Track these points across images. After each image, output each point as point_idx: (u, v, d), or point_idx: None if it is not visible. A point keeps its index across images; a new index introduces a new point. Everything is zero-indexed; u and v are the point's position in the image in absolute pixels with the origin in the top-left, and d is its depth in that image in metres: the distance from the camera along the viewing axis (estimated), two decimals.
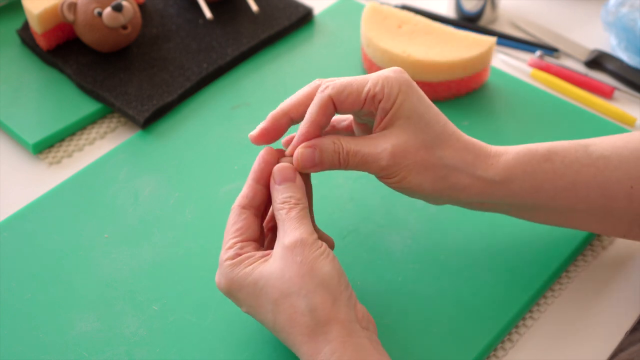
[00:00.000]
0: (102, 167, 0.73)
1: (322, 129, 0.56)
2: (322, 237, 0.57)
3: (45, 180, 0.73)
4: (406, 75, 0.56)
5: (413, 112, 0.55)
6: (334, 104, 0.55)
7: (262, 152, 0.57)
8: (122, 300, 0.62)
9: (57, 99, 0.79)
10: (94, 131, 0.78)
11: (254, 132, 0.57)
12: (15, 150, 0.77)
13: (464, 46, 0.76)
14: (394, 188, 0.57)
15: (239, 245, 0.54)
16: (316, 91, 0.56)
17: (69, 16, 0.79)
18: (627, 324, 0.62)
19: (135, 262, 0.65)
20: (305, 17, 0.88)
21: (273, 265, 0.51)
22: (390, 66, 0.74)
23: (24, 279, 0.64)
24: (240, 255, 0.53)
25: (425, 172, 0.55)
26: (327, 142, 0.55)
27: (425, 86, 0.76)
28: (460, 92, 0.78)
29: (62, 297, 0.62)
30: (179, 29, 0.85)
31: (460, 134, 0.57)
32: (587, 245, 0.67)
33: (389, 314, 0.60)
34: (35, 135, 0.75)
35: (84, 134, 0.77)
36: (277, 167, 0.55)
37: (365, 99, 0.55)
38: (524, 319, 0.62)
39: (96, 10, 0.78)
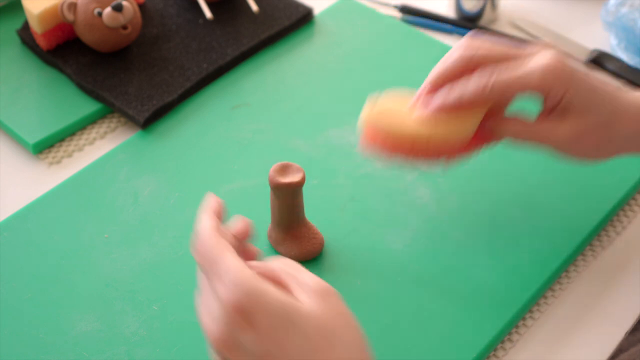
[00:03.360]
0: (102, 167, 0.73)
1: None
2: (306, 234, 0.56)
3: (45, 180, 0.73)
4: (567, 66, 0.55)
5: (582, 106, 0.56)
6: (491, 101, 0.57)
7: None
8: (122, 300, 0.62)
9: (57, 99, 0.79)
10: (94, 131, 0.78)
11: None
12: (15, 150, 0.77)
13: None
14: (571, 160, 0.59)
15: None
16: (468, 62, 0.56)
17: (69, 16, 0.79)
18: (627, 324, 0.62)
19: (135, 262, 0.65)
20: (306, 17, 0.88)
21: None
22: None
23: (24, 279, 0.64)
24: None
25: (604, 147, 0.58)
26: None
27: None
28: None
29: (62, 297, 0.62)
30: (179, 29, 0.85)
31: (631, 101, 0.58)
32: (587, 245, 0.67)
33: (389, 314, 0.60)
34: (35, 135, 0.75)
35: (84, 134, 0.78)
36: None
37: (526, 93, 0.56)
38: (524, 319, 0.62)
39: (96, 10, 0.78)
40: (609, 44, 0.86)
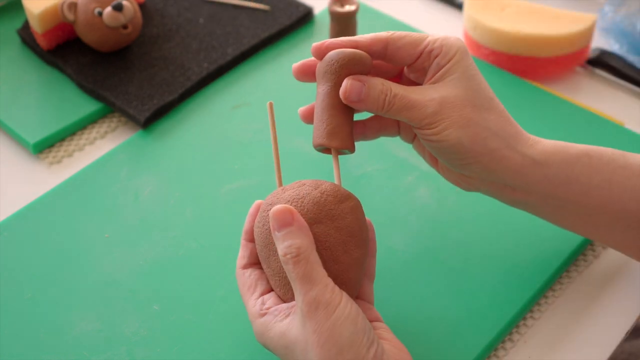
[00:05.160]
0: (102, 166, 0.73)
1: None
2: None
3: (46, 180, 0.73)
4: (463, 43, 0.56)
5: (466, 72, 0.55)
6: (386, 48, 0.56)
7: (252, 209, 0.57)
8: (122, 300, 0.62)
9: (58, 99, 0.79)
10: (95, 131, 0.78)
11: (297, 64, 0.58)
12: (16, 150, 0.77)
13: (568, 22, 0.81)
14: (431, 142, 0.55)
15: (260, 300, 0.54)
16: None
17: (69, 16, 0.79)
18: (628, 323, 0.62)
19: (135, 261, 0.65)
20: (306, 17, 0.88)
21: (296, 332, 0.50)
22: (500, 45, 0.81)
23: (24, 279, 0.64)
24: (264, 314, 0.53)
25: (467, 128, 0.54)
26: (376, 81, 0.55)
27: (535, 62, 0.81)
28: (566, 68, 0.82)
29: (62, 297, 0.62)
30: (180, 28, 0.85)
31: (504, 109, 0.57)
32: (588, 245, 0.67)
33: (389, 314, 0.60)
34: (36, 135, 0.75)
35: (84, 134, 0.78)
36: (273, 211, 0.50)
37: (421, 53, 0.56)
38: (524, 318, 0.62)
39: (96, 10, 0.78)
40: (609, 43, 0.86)
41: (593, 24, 0.80)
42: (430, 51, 0.55)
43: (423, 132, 0.55)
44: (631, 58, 0.83)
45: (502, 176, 0.56)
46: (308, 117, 0.60)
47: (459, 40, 0.56)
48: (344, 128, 0.55)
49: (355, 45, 0.56)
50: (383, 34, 0.56)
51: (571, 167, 0.56)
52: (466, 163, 0.55)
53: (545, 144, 0.56)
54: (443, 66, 0.55)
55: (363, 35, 0.57)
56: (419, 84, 0.58)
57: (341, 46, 0.56)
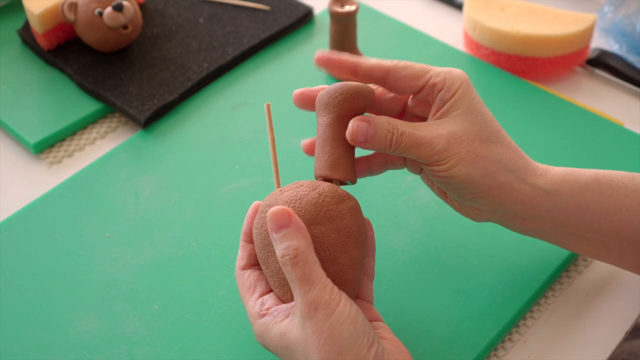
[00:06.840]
0: (102, 166, 0.73)
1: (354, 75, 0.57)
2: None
3: (46, 180, 0.73)
4: (467, 76, 0.56)
5: (471, 106, 0.55)
6: (387, 76, 0.56)
7: (250, 211, 0.57)
8: (122, 300, 0.62)
9: (58, 99, 0.79)
10: (95, 131, 0.78)
11: (298, 90, 0.58)
12: (16, 150, 0.77)
13: (568, 22, 0.81)
14: (441, 178, 0.55)
15: (259, 301, 0.54)
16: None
17: (70, 16, 0.79)
18: (628, 323, 0.62)
19: (136, 261, 0.65)
20: (306, 17, 0.88)
21: (296, 333, 0.50)
22: (500, 45, 0.81)
23: (24, 279, 0.64)
24: (264, 315, 0.53)
25: (476, 162, 0.54)
26: (382, 120, 0.54)
27: (535, 62, 0.81)
28: (566, 68, 0.83)
29: (63, 297, 0.62)
30: (180, 28, 0.85)
31: (511, 140, 0.57)
32: None
33: (389, 314, 0.61)
34: (36, 135, 0.75)
35: (84, 134, 0.78)
36: (270, 212, 0.50)
37: (424, 86, 0.55)
38: (524, 318, 0.62)
39: (97, 10, 0.78)
40: (609, 43, 0.86)
41: (593, 24, 0.80)
42: (434, 85, 0.55)
43: (432, 169, 0.55)
44: (631, 58, 0.83)
45: (512, 208, 0.56)
46: (311, 151, 0.60)
47: (462, 73, 0.56)
48: (346, 160, 0.55)
49: (356, 66, 0.56)
50: (387, 63, 0.56)
51: (582, 195, 0.55)
52: (476, 197, 0.55)
53: (554, 173, 0.56)
54: (447, 101, 0.55)
55: (367, 59, 0.56)
56: (424, 118, 0.58)
57: (343, 62, 0.56)
